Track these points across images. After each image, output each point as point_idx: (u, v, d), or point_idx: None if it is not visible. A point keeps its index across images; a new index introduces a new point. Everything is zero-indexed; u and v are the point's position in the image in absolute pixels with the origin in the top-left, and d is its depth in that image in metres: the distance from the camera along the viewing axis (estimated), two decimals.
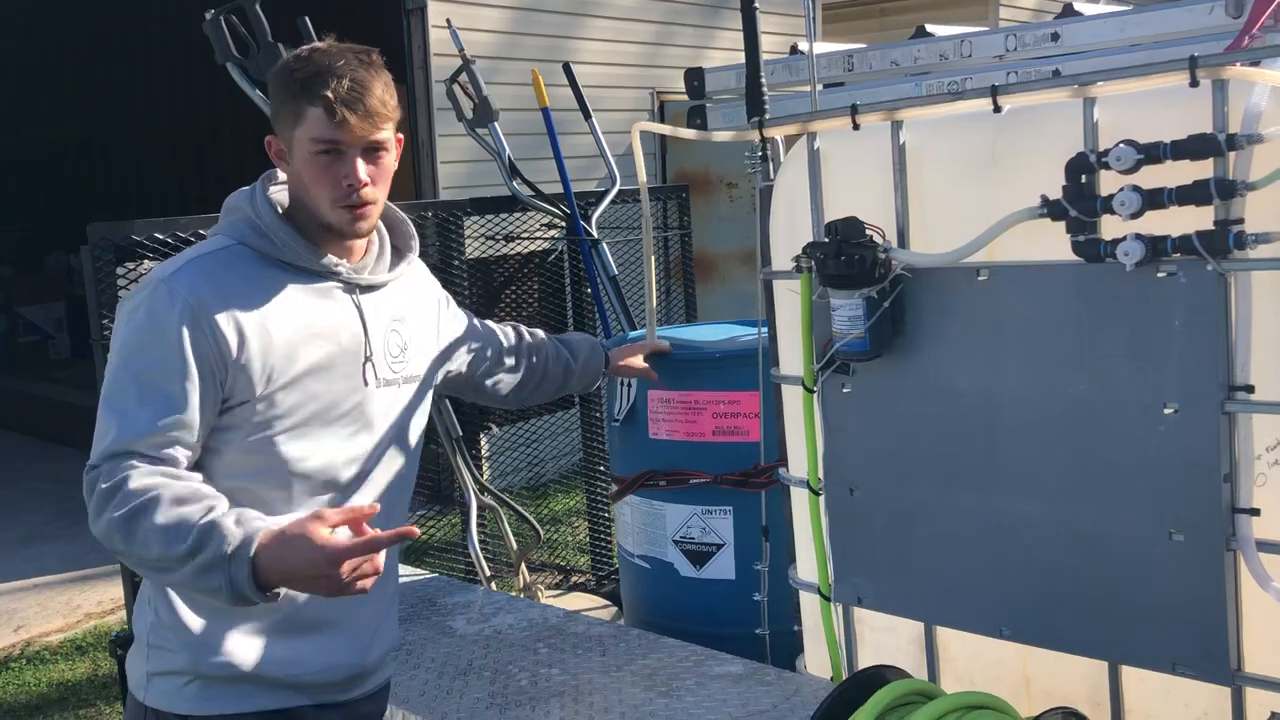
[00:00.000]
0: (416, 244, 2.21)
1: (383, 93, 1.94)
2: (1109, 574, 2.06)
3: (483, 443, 5.37)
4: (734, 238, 7.90)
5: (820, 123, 2.38)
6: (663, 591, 3.36)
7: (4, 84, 12.64)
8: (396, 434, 2.12)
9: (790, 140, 2.54)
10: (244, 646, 1.97)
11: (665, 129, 3.80)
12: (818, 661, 2.62)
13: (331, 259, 2.01)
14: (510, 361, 2.56)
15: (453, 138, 6.41)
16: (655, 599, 3.42)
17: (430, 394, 2.26)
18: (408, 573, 3.51)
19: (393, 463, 2.11)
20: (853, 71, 3.37)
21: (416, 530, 1.84)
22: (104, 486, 1.80)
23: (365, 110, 1.91)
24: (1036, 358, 2.11)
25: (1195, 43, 2.47)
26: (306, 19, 3.66)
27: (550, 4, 7.63)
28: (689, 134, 2.95)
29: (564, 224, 4.94)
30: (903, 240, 2.25)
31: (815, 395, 2.39)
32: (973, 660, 2.35)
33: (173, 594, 1.96)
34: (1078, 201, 1.97)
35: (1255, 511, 1.92)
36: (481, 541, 4.38)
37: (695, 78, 3.62)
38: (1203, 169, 1.86)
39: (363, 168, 1.94)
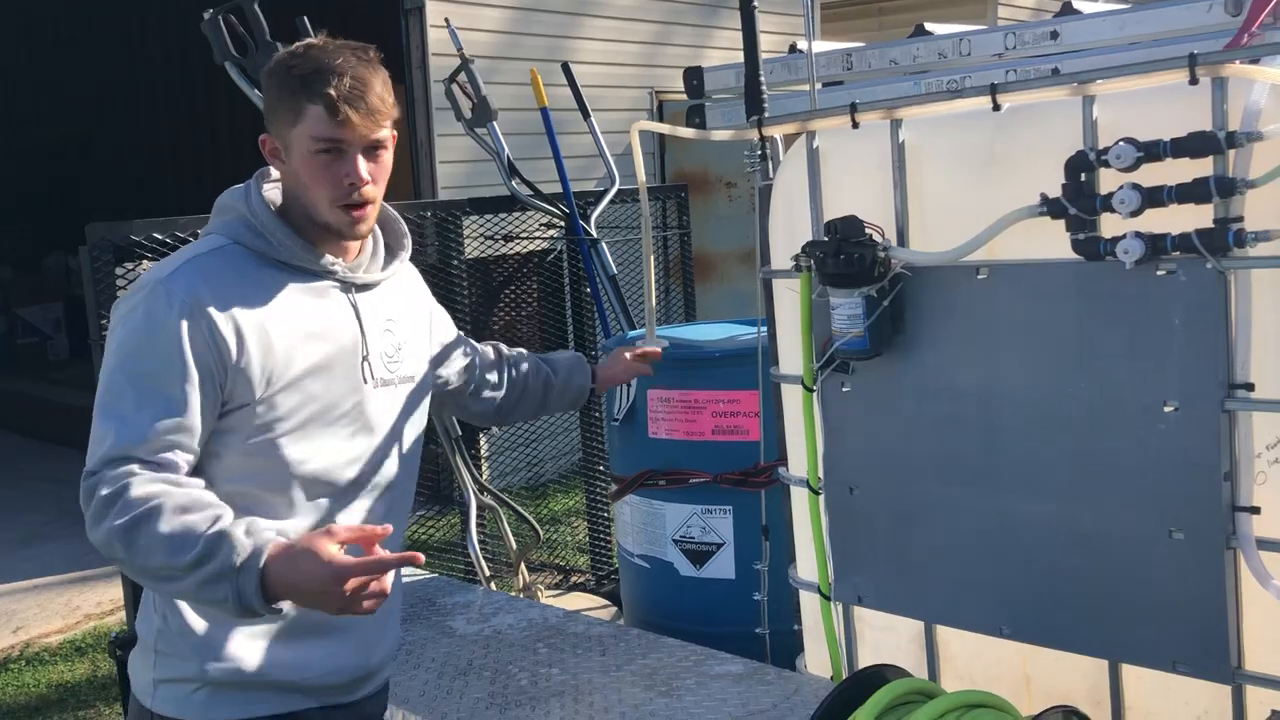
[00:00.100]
0: (409, 242, 2.18)
1: (382, 90, 1.92)
2: (1109, 572, 2.05)
3: (482, 443, 5.37)
4: (733, 237, 7.91)
5: (819, 121, 2.38)
6: (662, 591, 3.36)
7: (3, 84, 12.63)
8: (395, 436, 2.10)
9: (789, 139, 2.54)
10: (252, 652, 1.96)
11: (664, 128, 3.79)
12: (818, 661, 2.62)
13: (328, 258, 1.99)
14: (493, 377, 2.50)
15: (451, 137, 6.41)
16: (655, 598, 3.42)
17: (428, 398, 2.24)
18: (407, 573, 3.50)
19: (393, 465, 2.10)
20: (852, 70, 3.37)
21: (421, 557, 1.79)
22: (103, 493, 1.77)
23: (367, 108, 1.89)
24: (1036, 356, 2.10)
25: (1194, 41, 2.46)
26: (305, 18, 3.66)
27: (549, 4, 7.63)
28: (688, 133, 2.95)
29: (563, 224, 4.94)
30: (902, 239, 2.25)
31: (815, 394, 2.39)
32: (973, 659, 2.35)
33: (181, 601, 1.94)
34: (1077, 200, 1.96)
35: (1255, 510, 1.92)
36: (481, 541, 4.38)
37: (694, 77, 3.62)
38: (1202, 167, 1.86)
39: (364, 166, 1.92)
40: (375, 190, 1.95)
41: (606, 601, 4.48)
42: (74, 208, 10.28)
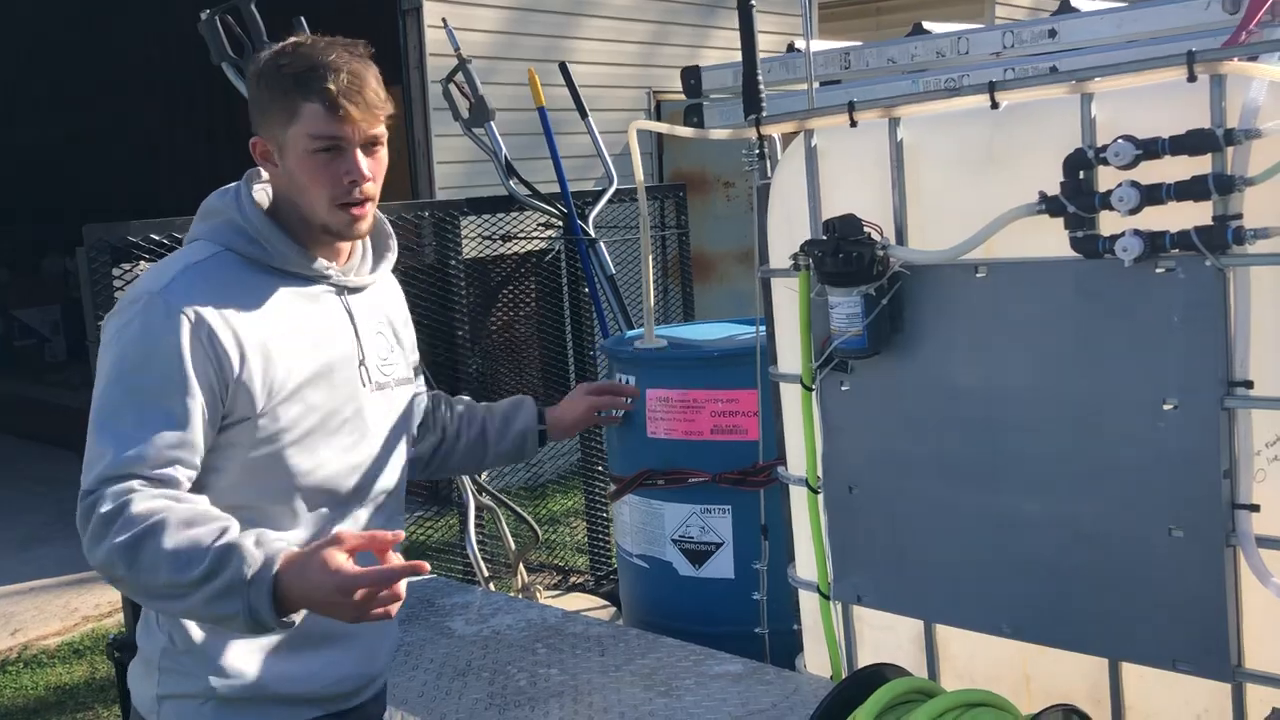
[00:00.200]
0: (394, 244, 2.14)
1: (377, 85, 1.89)
2: (1108, 571, 2.05)
3: None
4: (731, 237, 7.91)
5: (817, 120, 2.37)
6: (661, 591, 3.35)
7: (2, 85, 12.62)
8: (393, 440, 2.09)
9: (787, 138, 2.53)
10: (260, 665, 1.93)
11: (662, 127, 3.80)
12: (817, 660, 2.62)
13: (321, 262, 1.96)
14: (434, 417, 2.39)
15: (449, 138, 6.40)
16: (654, 598, 3.42)
17: (413, 400, 2.20)
18: None
19: (391, 471, 2.09)
20: (849, 69, 3.37)
21: (427, 566, 1.76)
22: (103, 511, 1.71)
23: (365, 103, 1.86)
24: (1035, 354, 2.10)
25: (1192, 38, 2.46)
26: (302, 19, 3.66)
27: (547, 4, 7.63)
28: (686, 132, 2.95)
29: (561, 224, 4.94)
30: (901, 237, 2.25)
31: (814, 393, 2.39)
32: (972, 658, 2.35)
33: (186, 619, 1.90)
34: (1076, 197, 1.96)
35: (1255, 507, 1.91)
36: (479, 542, 4.38)
37: (692, 76, 3.62)
38: (1201, 164, 1.86)
39: (364, 162, 1.88)
40: (374, 188, 1.92)
41: (605, 602, 4.47)
42: (73, 209, 10.27)
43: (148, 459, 1.76)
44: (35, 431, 8.68)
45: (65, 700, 4.73)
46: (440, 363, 4.77)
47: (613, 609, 4.25)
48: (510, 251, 5.33)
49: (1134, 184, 1.89)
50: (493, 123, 4.70)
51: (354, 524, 2.00)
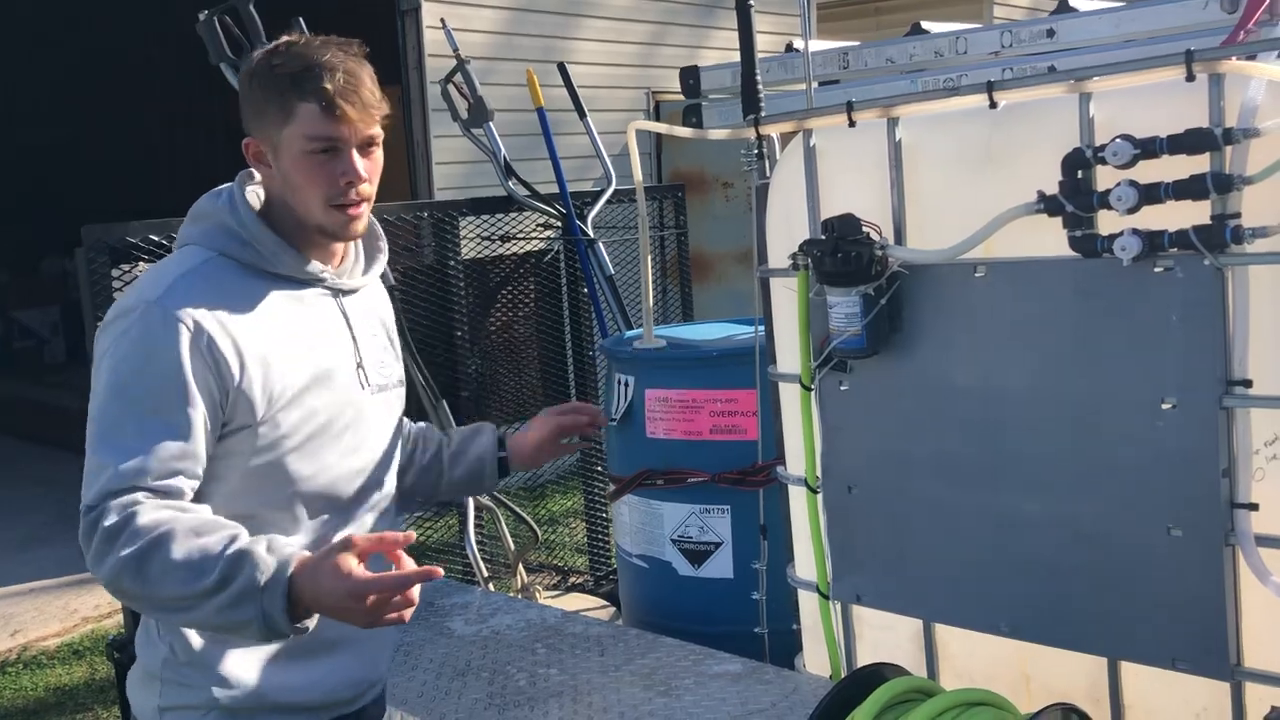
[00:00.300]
0: (385, 245, 2.11)
1: (373, 85, 1.87)
2: (1108, 570, 2.05)
3: None
4: (730, 237, 7.91)
5: (816, 120, 2.37)
6: (661, 591, 3.36)
7: (1, 85, 12.62)
8: (392, 443, 2.08)
9: (786, 138, 2.53)
10: (262, 675, 1.92)
11: (661, 127, 3.80)
12: (816, 660, 2.62)
13: (316, 265, 1.94)
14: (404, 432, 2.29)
15: (448, 138, 6.40)
16: (653, 598, 3.42)
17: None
18: None
19: (390, 474, 2.08)
20: (848, 69, 3.37)
21: (440, 571, 1.73)
22: (107, 525, 1.68)
23: (362, 102, 1.84)
24: (1034, 354, 2.10)
25: (1191, 38, 2.46)
26: (300, 19, 3.66)
27: (545, 4, 7.64)
28: (685, 132, 2.95)
29: (560, 224, 4.94)
30: (899, 237, 2.25)
31: (813, 393, 2.39)
32: (972, 657, 2.35)
33: (190, 629, 1.88)
34: (1074, 197, 1.96)
35: (1254, 506, 1.91)
36: (479, 542, 4.38)
37: (690, 76, 3.62)
38: (1199, 164, 1.86)
39: (360, 163, 1.86)
40: (370, 189, 1.90)
41: (605, 602, 4.48)
42: (72, 210, 10.27)
43: (151, 471, 1.73)
44: (35, 432, 8.68)
45: (65, 701, 4.73)
46: (439, 363, 4.76)
47: (612, 609, 4.25)
48: (509, 252, 5.33)
49: (1132, 183, 1.89)
50: (491, 123, 4.71)
51: (356, 528, 1.98)
